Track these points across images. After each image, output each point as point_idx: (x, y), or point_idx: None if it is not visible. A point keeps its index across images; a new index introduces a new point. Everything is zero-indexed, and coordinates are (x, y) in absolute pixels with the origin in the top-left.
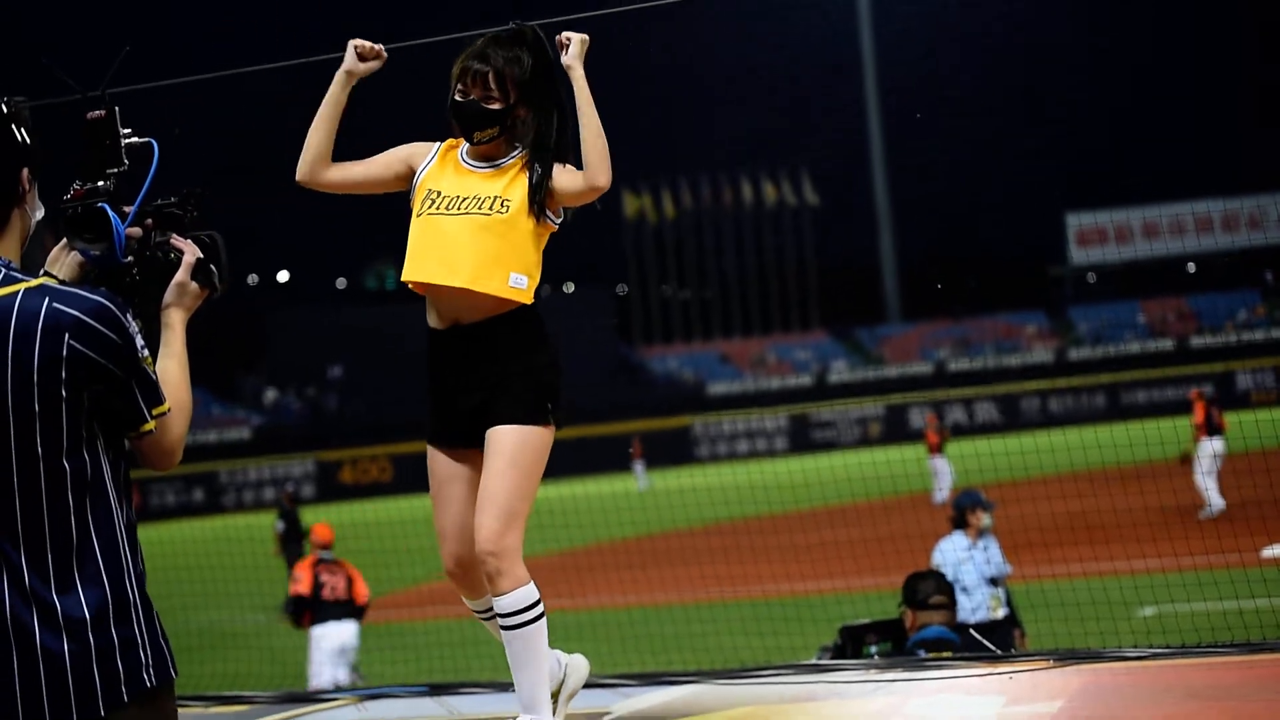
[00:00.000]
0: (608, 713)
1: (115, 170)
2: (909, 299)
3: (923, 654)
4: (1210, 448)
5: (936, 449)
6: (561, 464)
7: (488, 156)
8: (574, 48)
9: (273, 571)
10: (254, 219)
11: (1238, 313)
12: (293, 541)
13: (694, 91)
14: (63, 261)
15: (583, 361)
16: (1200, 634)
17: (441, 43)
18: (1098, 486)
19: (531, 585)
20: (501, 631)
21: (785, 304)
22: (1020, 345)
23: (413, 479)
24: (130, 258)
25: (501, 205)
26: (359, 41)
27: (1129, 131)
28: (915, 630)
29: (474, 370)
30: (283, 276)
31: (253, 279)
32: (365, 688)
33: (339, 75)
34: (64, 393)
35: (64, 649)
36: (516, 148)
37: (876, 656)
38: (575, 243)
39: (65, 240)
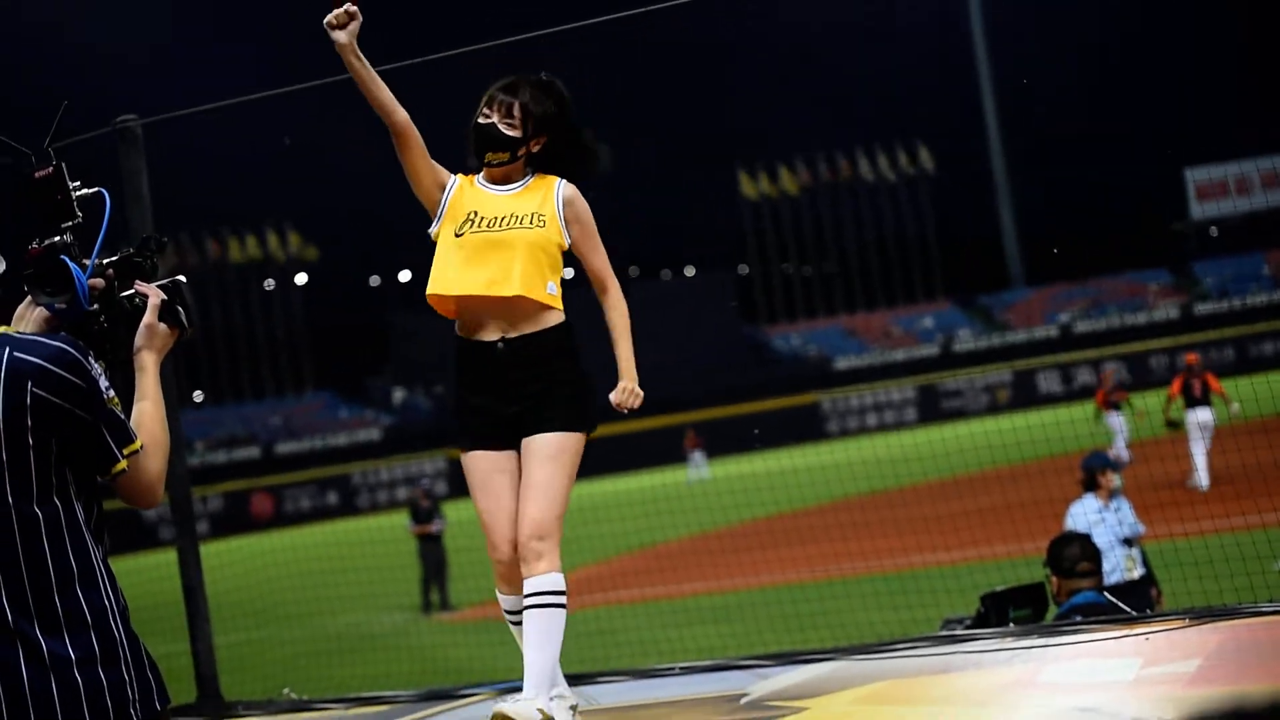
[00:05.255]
0: (745, 694)
1: (70, 223)
2: (1031, 263)
3: (1080, 619)
4: (1196, 418)
5: (1107, 405)
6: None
7: (505, 180)
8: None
9: (409, 571)
10: (376, 221)
11: None
12: (431, 540)
13: (807, 67)
14: (29, 318)
15: (706, 344)
16: None
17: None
18: (1236, 440)
19: (563, 577)
20: (526, 611)
21: (907, 275)
22: (1145, 303)
23: None
24: (95, 305)
25: (539, 220)
26: (329, 19)
27: (1244, 82)
28: (1064, 597)
29: (519, 381)
30: (404, 276)
31: (375, 280)
32: (501, 681)
33: (341, 53)
34: (31, 440)
35: (51, 687)
36: (529, 172)
37: (1013, 624)
38: (694, 227)
39: (30, 297)
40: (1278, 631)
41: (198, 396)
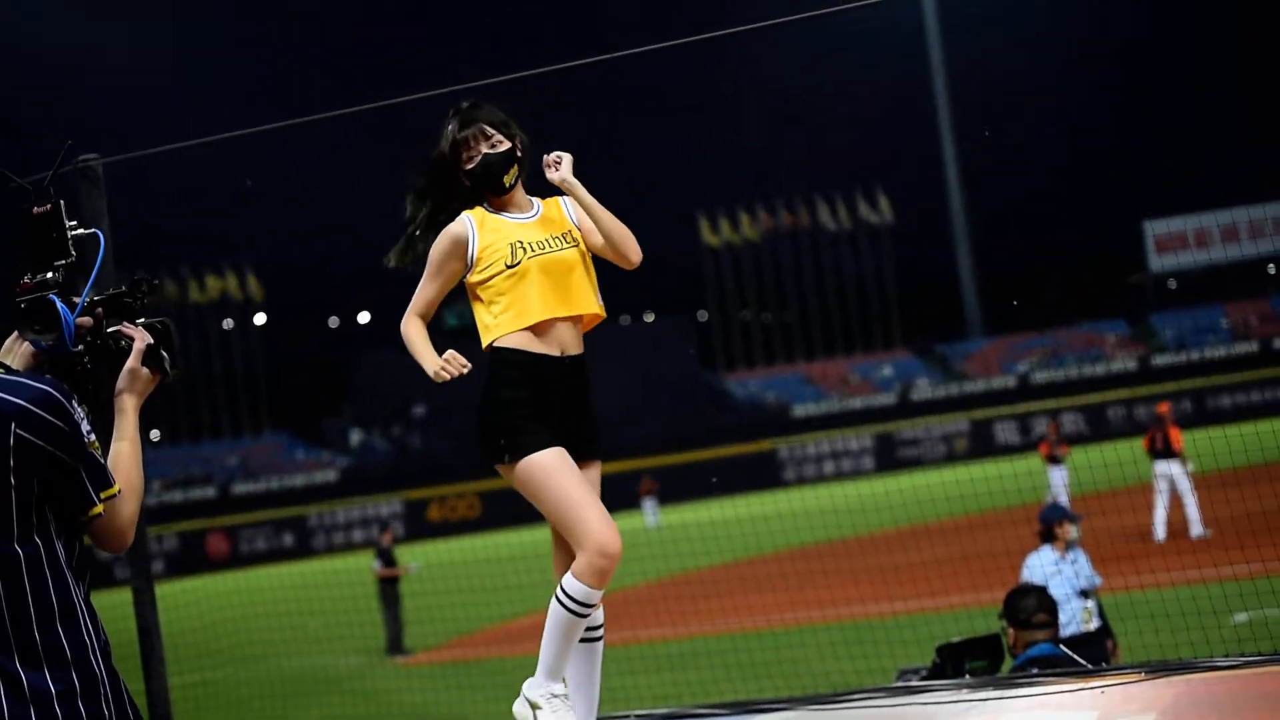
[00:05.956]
0: None
1: (63, 262)
2: (989, 313)
3: (1036, 672)
4: (1161, 469)
5: (1050, 459)
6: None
7: (515, 207)
8: (565, 166)
9: (365, 614)
10: (335, 262)
11: None
12: (392, 584)
13: (768, 115)
14: (16, 352)
15: (665, 390)
16: None
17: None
18: (1193, 495)
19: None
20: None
21: (866, 323)
22: (1103, 354)
23: (500, 515)
24: (81, 346)
25: (573, 238)
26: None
27: (1205, 137)
28: (1020, 649)
29: (572, 398)
30: (363, 318)
31: (334, 322)
32: None
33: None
34: (13, 480)
35: (31, 718)
36: (534, 202)
37: (969, 675)
38: (655, 271)
39: (17, 331)
40: (1234, 686)
41: (154, 435)
